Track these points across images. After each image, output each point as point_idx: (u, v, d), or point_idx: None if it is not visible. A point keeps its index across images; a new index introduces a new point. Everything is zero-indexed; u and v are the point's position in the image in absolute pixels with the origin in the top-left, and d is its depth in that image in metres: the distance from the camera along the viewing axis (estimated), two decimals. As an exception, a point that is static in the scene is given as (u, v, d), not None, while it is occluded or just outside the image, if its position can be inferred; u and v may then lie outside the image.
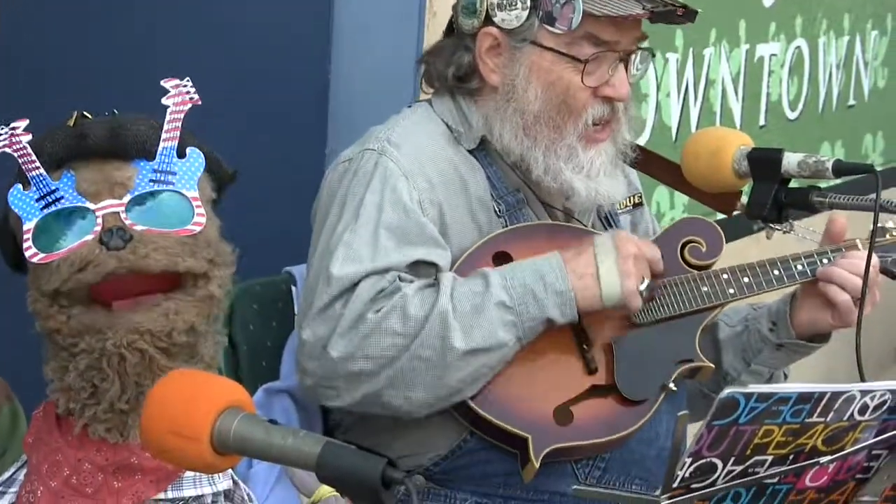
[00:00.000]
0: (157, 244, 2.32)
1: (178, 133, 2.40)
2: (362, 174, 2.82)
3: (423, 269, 2.78)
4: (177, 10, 3.63)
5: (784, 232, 2.86)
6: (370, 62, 3.47)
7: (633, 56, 2.89)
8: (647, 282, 2.79)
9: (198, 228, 2.37)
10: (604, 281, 2.75)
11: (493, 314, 2.71)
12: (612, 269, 2.75)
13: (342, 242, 2.76)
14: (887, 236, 3.05)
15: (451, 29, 2.96)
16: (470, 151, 2.90)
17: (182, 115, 2.41)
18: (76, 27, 3.74)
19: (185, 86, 2.42)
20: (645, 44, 2.92)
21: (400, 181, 2.80)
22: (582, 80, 2.83)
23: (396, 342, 2.69)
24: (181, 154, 2.41)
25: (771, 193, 2.83)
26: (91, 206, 2.34)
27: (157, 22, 3.66)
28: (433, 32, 3.46)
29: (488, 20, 2.86)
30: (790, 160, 2.81)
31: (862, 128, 6.03)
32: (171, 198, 2.39)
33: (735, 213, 3.03)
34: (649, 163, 3.12)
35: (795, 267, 2.95)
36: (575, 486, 2.36)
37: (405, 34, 3.51)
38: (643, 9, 2.80)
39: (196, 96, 2.42)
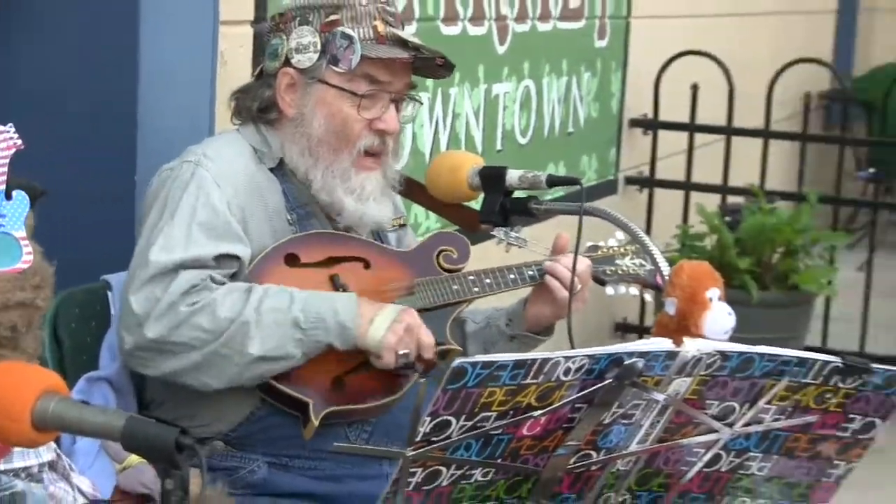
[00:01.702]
0: None
1: (5, 178, 2.36)
2: (181, 181, 2.83)
3: (227, 260, 2.79)
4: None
5: (519, 247, 2.90)
6: (172, 102, 3.43)
7: (404, 101, 2.93)
8: (408, 352, 2.77)
9: (26, 265, 2.33)
10: (373, 327, 2.75)
11: (287, 331, 2.71)
12: (385, 324, 2.75)
13: (161, 234, 2.77)
14: (599, 252, 3.11)
15: (261, 73, 2.98)
16: (271, 170, 2.92)
17: (7, 160, 2.36)
18: None
19: (8, 132, 2.37)
20: (414, 92, 2.96)
21: (212, 187, 2.81)
22: (358, 112, 2.86)
23: (201, 336, 2.69)
24: (8, 196, 2.37)
25: (498, 202, 2.87)
26: None
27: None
28: (224, 79, 3.46)
29: (287, 62, 2.90)
30: (512, 175, 2.86)
31: (579, 150, 6.10)
32: (3, 239, 2.35)
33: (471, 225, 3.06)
34: (412, 190, 3.15)
35: (527, 272, 3.00)
36: (335, 444, 2.37)
37: (200, 80, 3.49)
38: (408, 55, 2.87)
39: (20, 141, 2.37)
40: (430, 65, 2.95)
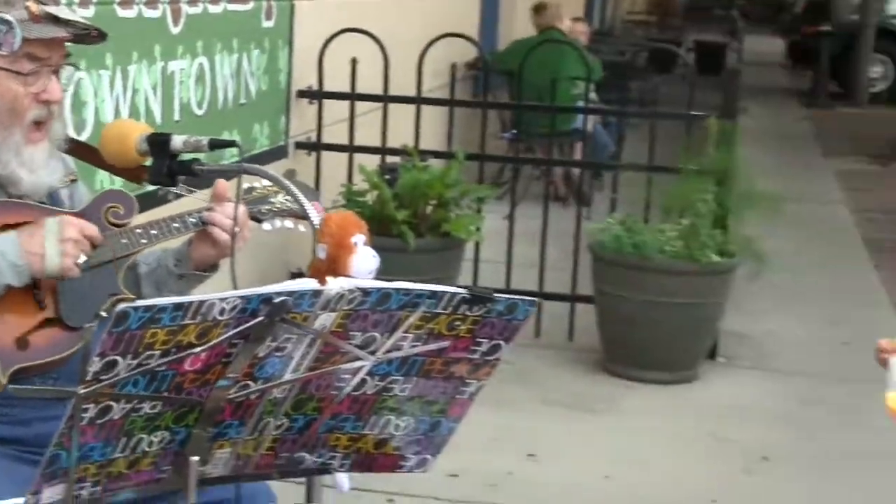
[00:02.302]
0: None
1: None
2: None
3: None
4: None
5: (185, 195, 2.88)
6: None
7: (62, 70, 2.87)
8: (84, 257, 2.74)
9: None
10: (47, 261, 2.69)
11: None
12: (54, 250, 2.70)
13: None
14: (255, 193, 3.12)
15: None
16: None
17: None
18: None
19: None
20: (72, 60, 2.91)
21: None
22: (24, 89, 2.79)
23: None
24: None
25: (165, 165, 2.85)
26: None
27: None
28: None
29: None
30: (176, 140, 2.84)
31: (252, 119, 6.10)
32: None
33: (144, 182, 3.03)
34: (88, 155, 3.10)
35: (189, 220, 2.98)
36: (11, 385, 2.33)
37: None
38: (67, 32, 2.80)
39: None
40: (86, 36, 2.90)
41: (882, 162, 13.97)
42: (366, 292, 2.26)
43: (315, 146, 6.83)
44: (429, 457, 2.57)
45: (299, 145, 6.78)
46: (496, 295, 2.40)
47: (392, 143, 6.85)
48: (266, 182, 3.13)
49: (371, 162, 6.67)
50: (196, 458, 2.30)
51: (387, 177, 6.33)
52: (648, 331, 6.13)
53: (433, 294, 2.33)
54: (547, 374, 6.25)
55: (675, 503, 4.91)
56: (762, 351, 6.88)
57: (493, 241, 6.95)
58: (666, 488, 5.04)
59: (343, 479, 2.75)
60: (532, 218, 7.13)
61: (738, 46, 12.98)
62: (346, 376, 2.37)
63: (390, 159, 6.78)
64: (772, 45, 28.13)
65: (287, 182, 2.80)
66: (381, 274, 2.65)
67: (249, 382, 2.26)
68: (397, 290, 2.29)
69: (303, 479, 2.71)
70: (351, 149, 6.84)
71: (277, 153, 6.42)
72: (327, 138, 6.87)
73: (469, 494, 4.81)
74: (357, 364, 2.35)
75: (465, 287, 2.41)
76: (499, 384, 5.64)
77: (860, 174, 13.34)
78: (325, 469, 2.53)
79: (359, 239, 2.69)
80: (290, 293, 2.17)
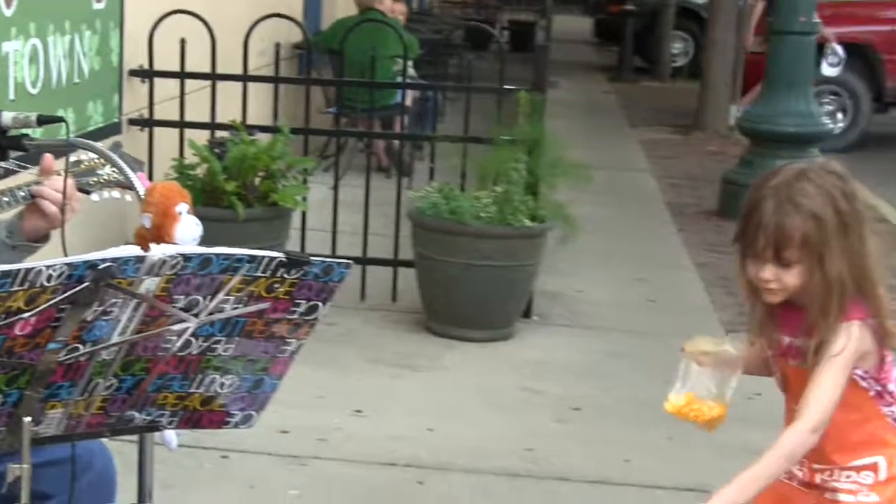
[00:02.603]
0: None
1: None
2: None
3: None
4: None
5: (15, 170, 2.85)
6: None
7: None
8: None
9: None
10: None
11: None
12: None
13: None
14: (82, 166, 3.09)
15: None
16: None
17: None
18: None
19: None
20: None
21: None
22: None
23: None
24: None
25: (-8, 140, 2.82)
26: None
27: None
28: None
29: None
30: (5, 117, 2.81)
31: (86, 98, 6.02)
32: None
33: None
34: None
35: (19, 193, 2.94)
36: None
37: None
38: None
39: None
40: None
41: (683, 131, 14.28)
42: (187, 258, 2.27)
43: (147, 122, 6.76)
44: (253, 413, 2.59)
45: (132, 122, 6.71)
46: (312, 258, 2.43)
47: (221, 118, 6.81)
48: (93, 155, 3.11)
49: (201, 137, 6.63)
50: (29, 419, 2.29)
51: (216, 150, 6.30)
52: (466, 292, 6.21)
53: (252, 258, 2.34)
54: (371, 335, 6.30)
55: (495, 453, 4.99)
56: (574, 309, 7.02)
57: (319, 211, 6.96)
58: (486, 439, 5.12)
59: (171, 436, 2.77)
60: (356, 188, 7.16)
61: (547, 25, 13.10)
62: (172, 338, 2.38)
63: (219, 134, 6.74)
64: (580, 24, 28.52)
65: (112, 154, 2.79)
66: (212, 242, 2.65)
67: (79, 345, 2.26)
68: (218, 254, 2.31)
69: (136, 438, 2.72)
70: (181, 125, 6.79)
71: (111, 130, 6.34)
72: (159, 115, 6.81)
73: (300, 449, 4.84)
74: (182, 326, 2.36)
75: (282, 252, 2.43)
76: (325, 345, 5.73)
77: (664, 143, 13.63)
78: (154, 426, 2.54)
79: (182, 208, 2.70)
80: (114, 259, 2.17)
